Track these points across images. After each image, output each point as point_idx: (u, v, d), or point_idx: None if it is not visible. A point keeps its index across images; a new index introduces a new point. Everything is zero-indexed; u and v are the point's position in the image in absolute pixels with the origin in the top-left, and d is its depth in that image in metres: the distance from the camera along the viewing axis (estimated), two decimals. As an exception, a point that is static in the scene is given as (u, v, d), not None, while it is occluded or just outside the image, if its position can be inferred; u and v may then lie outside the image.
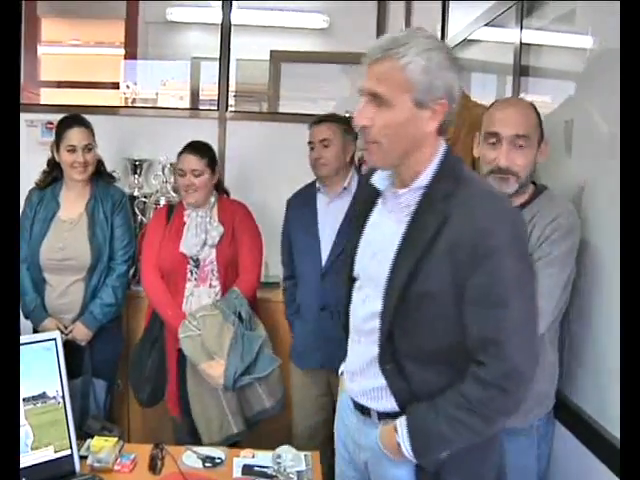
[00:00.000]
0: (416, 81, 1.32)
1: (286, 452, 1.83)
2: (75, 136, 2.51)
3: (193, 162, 2.52)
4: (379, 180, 1.47)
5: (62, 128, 2.53)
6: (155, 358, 2.58)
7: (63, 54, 3.88)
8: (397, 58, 1.32)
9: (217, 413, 2.39)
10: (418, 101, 1.33)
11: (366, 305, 1.46)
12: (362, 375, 1.49)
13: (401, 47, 1.31)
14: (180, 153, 2.57)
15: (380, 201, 1.50)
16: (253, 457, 1.86)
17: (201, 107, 3.79)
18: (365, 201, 1.55)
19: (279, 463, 1.78)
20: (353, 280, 1.54)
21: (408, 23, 3.59)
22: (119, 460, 1.78)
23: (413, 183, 1.39)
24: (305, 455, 1.85)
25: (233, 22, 3.43)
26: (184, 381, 2.48)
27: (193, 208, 2.58)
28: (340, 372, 1.65)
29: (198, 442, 2.32)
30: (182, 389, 2.51)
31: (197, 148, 2.56)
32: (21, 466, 1.52)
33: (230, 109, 3.50)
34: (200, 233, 2.54)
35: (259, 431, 2.50)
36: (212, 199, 2.60)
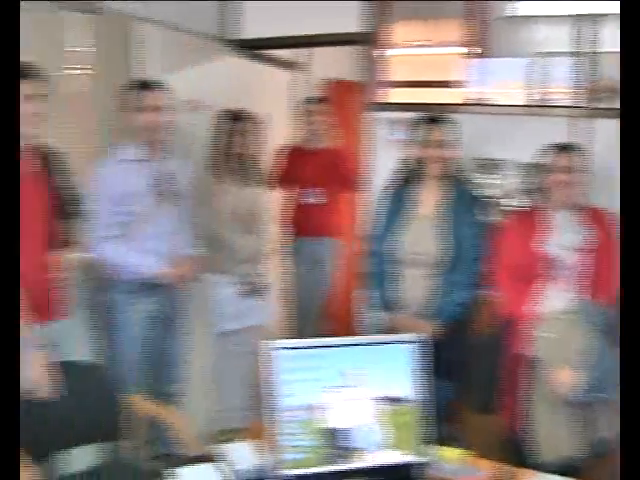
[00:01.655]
0: None
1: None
2: (434, 134, 2.59)
3: (566, 160, 2.49)
4: None
5: (422, 126, 2.62)
6: (491, 362, 2.50)
7: (404, 55, 3.84)
8: None
9: (555, 429, 2.28)
10: None
11: None
12: None
13: None
14: (551, 152, 2.53)
15: None
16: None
17: (549, 104, 3.34)
18: None
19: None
20: None
21: None
22: (465, 474, 1.69)
23: None
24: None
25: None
26: (522, 389, 2.38)
27: (559, 208, 2.50)
28: None
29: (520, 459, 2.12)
30: (518, 398, 2.39)
31: (569, 148, 2.53)
32: (368, 465, 1.60)
33: (584, 106, 3.15)
34: (565, 234, 2.47)
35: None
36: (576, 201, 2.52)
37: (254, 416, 3.17)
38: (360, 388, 1.64)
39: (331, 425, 1.61)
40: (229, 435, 2.96)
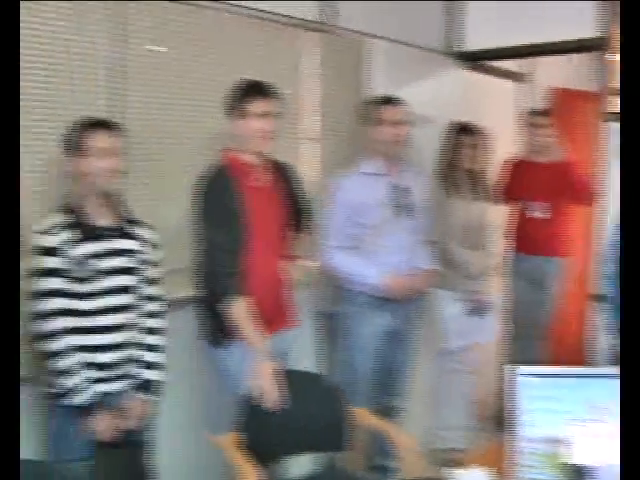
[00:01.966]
0: None
1: None
2: None
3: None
4: None
5: None
6: None
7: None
8: None
9: None
10: None
11: None
12: None
13: None
14: None
15: None
16: None
17: None
18: None
19: None
20: None
21: None
22: None
23: None
24: None
25: None
26: None
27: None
28: None
29: None
30: None
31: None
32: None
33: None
34: None
35: None
36: None
37: (475, 438, 3.20)
38: (609, 423, 1.51)
39: (576, 461, 1.51)
40: (448, 455, 3.03)
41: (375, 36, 3.19)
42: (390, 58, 3.25)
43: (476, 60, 3.70)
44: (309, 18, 2.94)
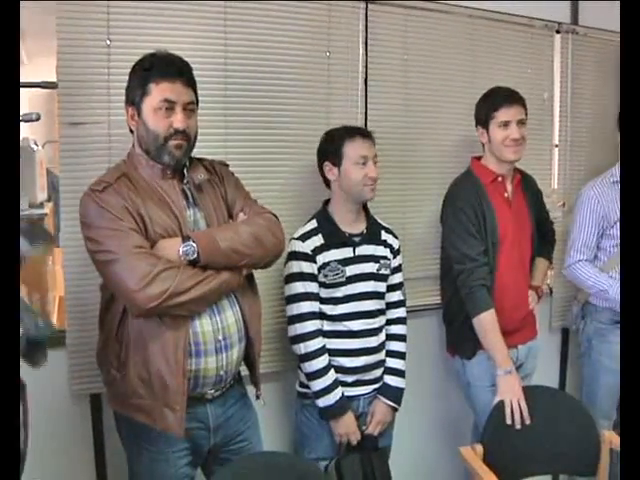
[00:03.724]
0: None
1: None
2: None
3: None
4: None
5: None
6: None
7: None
8: None
9: None
10: None
11: None
12: None
13: None
14: None
15: None
16: None
17: None
18: None
19: None
20: None
21: None
22: None
23: None
24: None
25: None
26: None
27: None
28: None
29: None
30: None
31: None
32: None
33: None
34: None
35: None
36: None
37: None
38: None
39: None
40: None
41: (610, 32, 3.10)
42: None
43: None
44: (559, 20, 2.95)
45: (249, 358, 1.89)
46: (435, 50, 2.64)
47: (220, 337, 1.75)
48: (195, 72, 1.79)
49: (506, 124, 2.31)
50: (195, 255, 1.66)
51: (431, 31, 2.63)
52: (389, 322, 2.28)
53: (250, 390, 1.98)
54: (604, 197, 2.53)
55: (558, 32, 2.99)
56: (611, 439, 2.15)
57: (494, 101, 2.34)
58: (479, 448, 2.10)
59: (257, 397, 1.97)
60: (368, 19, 2.46)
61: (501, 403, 2.19)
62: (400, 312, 2.31)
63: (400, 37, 2.56)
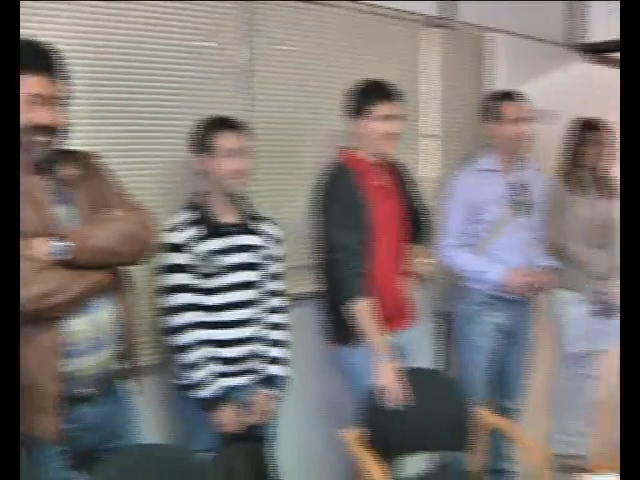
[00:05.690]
0: None
1: None
2: None
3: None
4: None
5: None
6: None
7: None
8: None
9: None
10: None
11: None
12: None
13: None
14: None
15: None
16: None
17: None
18: None
19: None
20: None
21: None
22: None
23: None
24: None
25: None
26: None
27: None
28: None
29: None
30: None
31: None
32: None
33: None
34: None
35: None
36: None
37: (600, 444, 3.08)
38: None
39: None
40: (569, 461, 2.96)
41: (495, 30, 3.15)
42: (511, 52, 3.21)
43: (599, 52, 3.59)
44: (429, 14, 2.94)
45: (127, 354, 1.84)
46: (317, 43, 2.63)
47: (94, 336, 1.70)
48: (68, 61, 1.67)
49: (382, 118, 2.28)
50: (65, 254, 1.59)
51: (313, 24, 2.61)
52: (269, 311, 2.24)
53: (131, 385, 1.91)
54: (470, 185, 2.65)
55: (436, 26, 2.98)
56: (486, 417, 2.24)
57: (373, 94, 2.30)
58: (358, 432, 2.17)
59: (138, 392, 1.91)
60: (254, 13, 2.43)
61: (377, 387, 2.21)
62: (280, 301, 2.27)
63: (284, 30, 2.54)
